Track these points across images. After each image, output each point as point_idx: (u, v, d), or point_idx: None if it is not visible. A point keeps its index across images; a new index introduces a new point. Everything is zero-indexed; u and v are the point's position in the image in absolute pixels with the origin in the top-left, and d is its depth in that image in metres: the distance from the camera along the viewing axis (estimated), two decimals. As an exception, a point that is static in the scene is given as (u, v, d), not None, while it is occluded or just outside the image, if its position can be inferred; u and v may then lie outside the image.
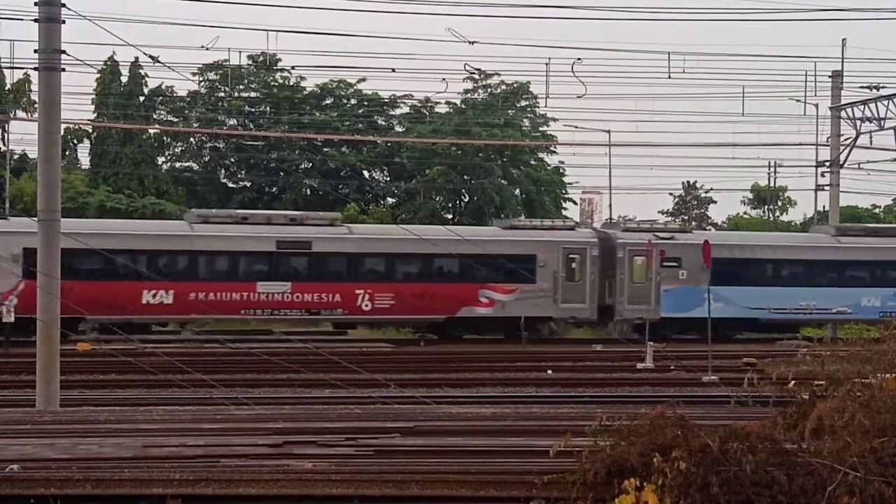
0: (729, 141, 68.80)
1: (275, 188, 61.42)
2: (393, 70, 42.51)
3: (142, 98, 59.01)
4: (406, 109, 63.56)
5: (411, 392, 21.21)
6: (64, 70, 19.69)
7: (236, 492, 8.76)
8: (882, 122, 42.34)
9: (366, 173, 62.75)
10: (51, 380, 19.10)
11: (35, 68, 20.75)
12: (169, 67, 44.70)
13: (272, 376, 25.60)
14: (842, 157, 45.47)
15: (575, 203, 68.31)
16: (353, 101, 63.29)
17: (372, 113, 62.97)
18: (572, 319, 40.12)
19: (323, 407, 16.39)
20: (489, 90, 62.47)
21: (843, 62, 44.52)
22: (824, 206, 51.70)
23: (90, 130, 59.26)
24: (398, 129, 64.15)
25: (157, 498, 8.69)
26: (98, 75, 55.10)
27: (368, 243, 38.00)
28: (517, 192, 61.60)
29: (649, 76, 68.95)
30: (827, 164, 46.51)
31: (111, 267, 33.31)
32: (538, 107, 61.99)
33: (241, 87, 60.49)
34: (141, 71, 56.99)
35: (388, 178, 63.72)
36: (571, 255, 39.06)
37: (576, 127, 57.76)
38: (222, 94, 60.86)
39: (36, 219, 20.21)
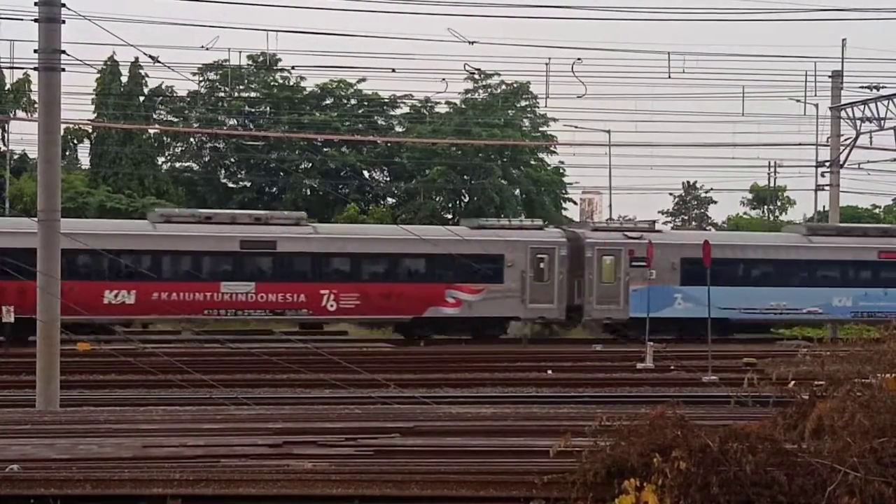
0: (729, 141, 68.94)
1: (275, 188, 61.45)
2: (393, 70, 42.55)
3: (142, 98, 59.05)
4: (406, 109, 63.62)
5: (411, 392, 21.21)
6: (64, 70, 19.69)
7: (236, 492, 8.76)
8: (882, 122, 42.35)
9: (366, 173, 62.78)
10: (51, 380, 19.10)
11: (35, 68, 20.76)
12: (169, 67, 44.77)
13: (272, 376, 25.58)
14: (842, 158, 45.48)
15: (575, 203, 68.41)
16: (353, 102, 63.31)
17: (372, 113, 62.98)
18: (540, 320, 39.73)
19: (323, 407, 16.39)
20: (489, 90, 62.49)
21: (843, 62, 44.58)
22: (824, 207, 51.73)
23: (90, 130, 59.30)
24: (398, 129, 64.17)
25: (157, 498, 8.69)
26: (98, 75, 55.14)
27: (334, 243, 37.76)
28: (517, 192, 61.61)
29: (649, 76, 68.98)
30: (827, 164, 46.52)
31: (72, 267, 32.77)
32: (538, 107, 62.09)
33: (241, 87, 60.51)
34: (141, 71, 57.07)
35: (388, 179, 63.75)
36: (539, 255, 38.79)
37: (576, 127, 57.86)
38: (222, 95, 60.89)
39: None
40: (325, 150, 60.09)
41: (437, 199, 60.73)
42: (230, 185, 62.85)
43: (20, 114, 55.68)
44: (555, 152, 63.68)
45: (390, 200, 62.82)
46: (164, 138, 62.39)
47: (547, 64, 42.34)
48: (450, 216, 59.68)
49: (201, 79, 59.78)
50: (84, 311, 28.40)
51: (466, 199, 61.64)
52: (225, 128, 60.81)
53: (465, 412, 12.82)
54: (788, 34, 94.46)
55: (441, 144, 58.05)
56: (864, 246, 41.84)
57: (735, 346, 36.61)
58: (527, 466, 9.09)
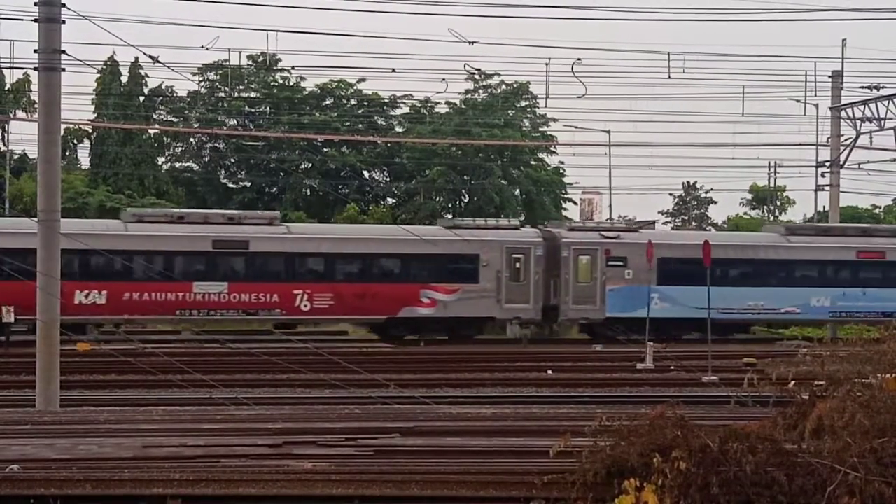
0: (729, 141, 69.00)
1: (275, 188, 61.45)
2: (393, 70, 42.46)
3: (142, 98, 59.04)
4: (406, 109, 63.61)
5: (411, 392, 21.22)
6: (64, 70, 19.70)
7: (236, 492, 8.76)
8: (882, 122, 42.35)
9: (366, 173, 62.77)
10: (51, 380, 19.11)
11: (35, 68, 20.76)
12: (169, 67, 44.73)
13: (272, 376, 25.58)
14: (842, 158, 45.48)
15: (575, 203, 68.34)
16: (352, 102, 63.30)
17: (372, 113, 62.98)
18: (516, 320, 39.52)
19: (323, 407, 16.40)
20: (489, 90, 62.49)
21: (843, 62, 44.56)
22: (824, 207, 51.72)
23: (90, 130, 59.30)
24: (398, 129, 64.17)
25: (157, 498, 8.69)
26: (98, 75, 55.13)
27: (307, 243, 37.60)
28: (517, 192, 61.60)
29: (649, 76, 68.95)
30: (827, 164, 46.52)
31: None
32: (538, 107, 62.07)
33: (241, 87, 60.50)
34: (141, 71, 57.08)
35: (388, 179, 63.74)
36: (515, 255, 38.59)
37: (576, 127, 57.81)
38: (222, 95, 60.89)
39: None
40: (325, 150, 60.09)
41: (437, 199, 60.73)
42: (230, 185, 62.86)
43: (20, 114, 55.70)
44: (555, 152, 63.73)
45: (390, 200, 62.82)
46: (164, 138, 62.39)
47: (547, 64, 42.29)
48: (450, 216, 59.67)
49: (201, 79, 59.81)
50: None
51: (466, 200, 61.63)
52: (225, 128, 60.80)
53: (465, 412, 12.83)
54: (788, 34, 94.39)
55: (441, 144, 58.04)
56: (842, 246, 41.53)
57: (735, 347, 36.62)
58: (527, 466, 9.09)
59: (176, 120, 62.80)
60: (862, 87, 43.32)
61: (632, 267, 39.00)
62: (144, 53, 37.32)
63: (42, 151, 19.91)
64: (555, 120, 62.27)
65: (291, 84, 61.23)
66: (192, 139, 63.05)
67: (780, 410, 10.05)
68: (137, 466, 9.12)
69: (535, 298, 38.75)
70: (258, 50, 54.62)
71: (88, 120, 56.42)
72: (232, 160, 62.08)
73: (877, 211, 69.37)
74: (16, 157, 57.42)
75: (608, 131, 55.02)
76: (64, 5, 19.65)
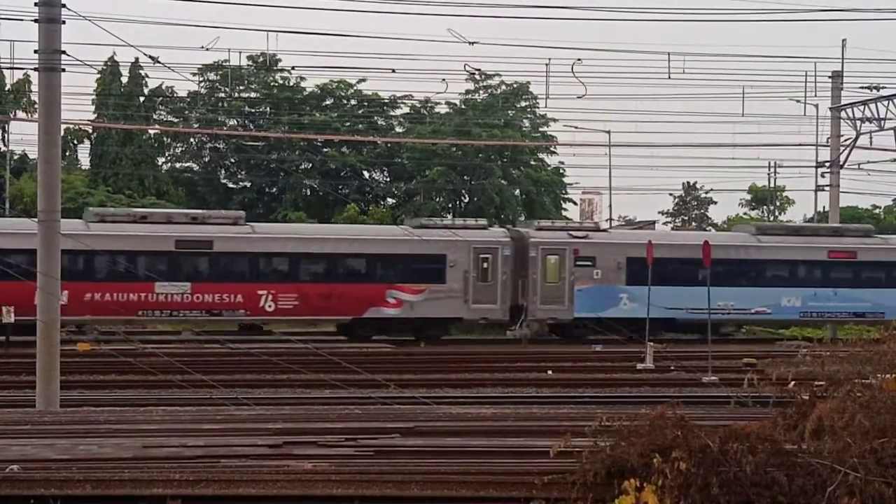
0: (729, 141, 69.00)
1: (275, 189, 61.43)
2: (393, 70, 42.48)
3: (142, 98, 59.02)
4: (406, 110, 63.58)
5: (411, 392, 21.23)
6: (64, 70, 19.70)
7: (236, 492, 8.76)
8: (882, 122, 42.32)
9: (366, 174, 62.75)
10: (51, 380, 19.11)
11: (35, 69, 20.76)
12: (169, 68, 44.77)
13: (272, 376, 25.59)
14: (842, 158, 45.47)
15: (575, 203, 68.31)
16: (353, 102, 63.28)
17: (372, 113, 62.95)
18: (483, 320, 39.33)
19: (323, 407, 16.41)
20: (489, 91, 62.48)
21: (843, 62, 44.54)
22: (824, 207, 51.71)
23: (90, 131, 59.27)
24: (398, 129, 64.15)
25: (157, 498, 8.69)
26: (98, 76, 55.11)
27: (272, 243, 37.45)
28: (517, 192, 61.60)
29: (649, 76, 68.83)
30: (827, 164, 46.51)
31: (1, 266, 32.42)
32: (538, 107, 62.04)
33: (241, 87, 60.48)
34: (141, 71, 57.05)
35: (388, 179, 63.71)
36: (483, 255, 38.43)
37: (576, 127, 57.82)
38: (222, 95, 60.86)
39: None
40: (325, 150, 60.06)
41: (438, 199, 60.72)
42: (230, 185, 62.83)
43: (20, 114, 55.66)
44: (555, 153, 63.68)
45: (390, 201, 62.80)
46: (164, 139, 62.36)
47: (547, 64, 42.23)
48: (450, 217, 59.66)
49: (201, 79, 59.77)
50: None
51: (466, 200, 61.61)
52: (225, 128, 60.76)
53: (466, 412, 12.83)
54: (788, 34, 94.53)
55: (441, 145, 58.00)
56: (813, 246, 41.36)
57: (735, 347, 36.63)
58: (527, 467, 9.09)
59: (176, 120, 62.78)
60: (862, 88, 43.34)
61: (600, 267, 38.88)
62: (144, 54, 37.28)
63: (42, 152, 19.91)
64: (555, 120, 62.31)
65: (291, 84, 61.20)
66: (192, 139, 63.02)
67: (780, 411, 10.05)
68: (137, 467, 9.12)
69: (502, 299, 38.60)
70: (258, 50, 54.67)
71: (88, 120, 56.41)
72: (232, 160, 62.05)
73: (877, 211, 69.35)
74: (16, 157, 57.39)
75: (608, 131, 55.08)
76: (64, 5, 19.65)
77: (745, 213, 71.07)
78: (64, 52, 19.58)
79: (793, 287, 40.94)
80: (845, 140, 45.13)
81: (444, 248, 38.02)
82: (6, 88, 55.87)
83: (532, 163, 63.04)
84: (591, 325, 37.61)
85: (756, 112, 60.31)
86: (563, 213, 63.42)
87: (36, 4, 19.65)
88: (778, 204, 69.38)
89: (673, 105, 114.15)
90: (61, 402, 19.01)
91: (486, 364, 29.71)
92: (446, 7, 28.78)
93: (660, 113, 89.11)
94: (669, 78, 40.62)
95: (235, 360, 28.06)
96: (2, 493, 8.64)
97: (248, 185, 62.30)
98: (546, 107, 55.74)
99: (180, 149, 63.72)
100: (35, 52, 19.79)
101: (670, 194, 76.06)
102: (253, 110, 62.86)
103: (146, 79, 58.19)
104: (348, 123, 61.04)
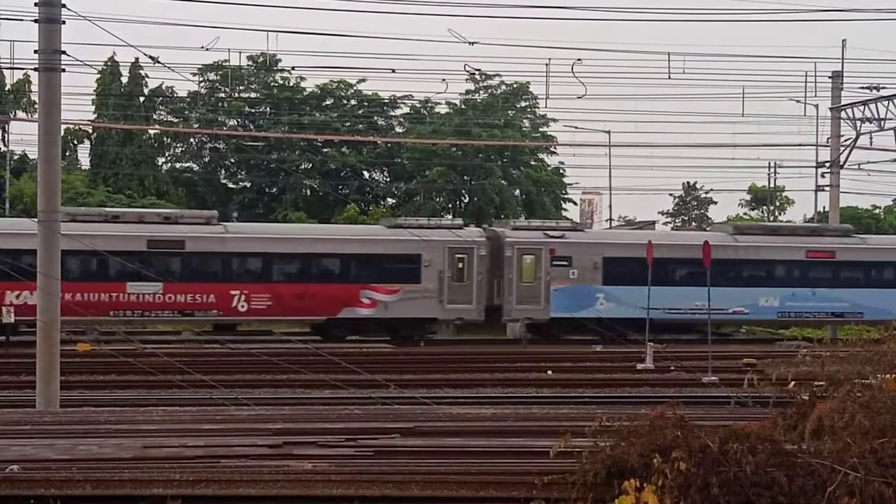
0: (729, 141, 68.98)
1: (275, 189, 61.44)
2: (393, 71, 42.37)
3: (142, 99, 59.03)
4: (406, 110, 63.60)
5: (411, 393, 21.22)
6: (64, 70, 19.70)
7: (236, 492, 8.76)
8: (882, 122, 42.30)
9: (366, 174, 62.77)
10: (51, 380, 19.11)
11: (35, 69, 20.76)
12: (169, 68, 44.74)
13: (272, 376, 25.59)
14: (842, 158, 45.46)
15: (575, 204, 68.33)
16: (353, 102, 63.29)
17: (372, 113, 62.96)
18: (459, 320, 39.18)
19: (323, 407, 16.41)
20: (489, 91, 62.49)
21: (843, 63, 44.50)
22: (824, 207, 51.70)
23: (90, 131, 59.27)
24: (398, 129, 64.17)
25: (157, 499, 8.69)
26: (98, 76, 55.12)
27: (245, 242, 37.33)
28: (517, 192, 61.61)
29: (649, 76, 68.82)
30: (827, 164, 46.50)
31: None
32: (538, 107, 62.05)
33: (241, 87, 60.49)
34: (141, 71, 57.06)
35: (388, 179, 63.73)
36: (458, 255, 38.29)
37: (576, 128, 57.83)
38: (222, 95, 60.87)
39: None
40: (325, 150, 60.07)
41: (438, 199, 60.73)
42: (230, 185, 62.85)
43: (20, 114, 55.67)
44: (555, 153, 63.70)
45: (390, 201, 62.81)
46: (165, 139, 62.36)
47: (547, 64, 42.14)
48: (450, 217, 59.70)
49: (201, 79, 59.79)
50: None
51: (466, 200, 61.63)
52: (225, 128, 60.77)
53: (465, 413, 12.83)
54: (788, 34, 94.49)
55: (441, 145, 58.01)
56: (791, 245, 41.20)
57: (735, 347, 36.62)
58: (527, 467, 9.09)
59: (176, 120, 62.79)
60: (862, 88, 43.31)
61: (577, 266, 38.78)
62: (144, 54, 37.20)
63: (42, 152, 19.91)
64: (555, 120, 62.34)
65: (291, 84, 61.23)
66: (192, 139, 63.03)
67: (780, 411, 10.05)
68: (137, 467, 9.13)
69: (478, 299, 38.49)
70: (258, 50, 54.63)
71: (88, 120, 56.42)
72: (232, 160, 62.06)
73: (877, 211, 69.33)
74: (16, 157, 57.41)
75: (608, 132, 55.09)
76: (64, 6, 19.65)
77: (745, 214, 71.08)
78: (64, 52, 19.57)
79: (771, 287, 40.77)
80: (845, 140, 45.13)
81: (419, 247, 37.83)
82: (6, 88, 55.88)
83: (532, 163, 63.05)
84: (568, 325, 37.62)
85: (756, 112, 60.34)
86: (564, 213, 63.45)
87: (36, 4, 19.65)
88: (778, 204, 69.37)
89: (673, 105, 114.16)
90: (61, 403, 19.01)
91: (486, 364, 29.71)
92: (446, 7, 28.77)
93: (660, 113, 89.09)
94: (669, 78, 40.57)
95: (235, 360, 28.07)
96: (2, 493, 8.64)
97: (248, 185, 62.32)
98: (546, 107, 55.79)
99: (180, 149, 63.73)
100: (35, 52, 19.79)
101: (670, 194, 76.12)
102: (253, 110, 62.87)
103: (146, 79, 58.27)
104: (348, 123, 61.05)
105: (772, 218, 67.31)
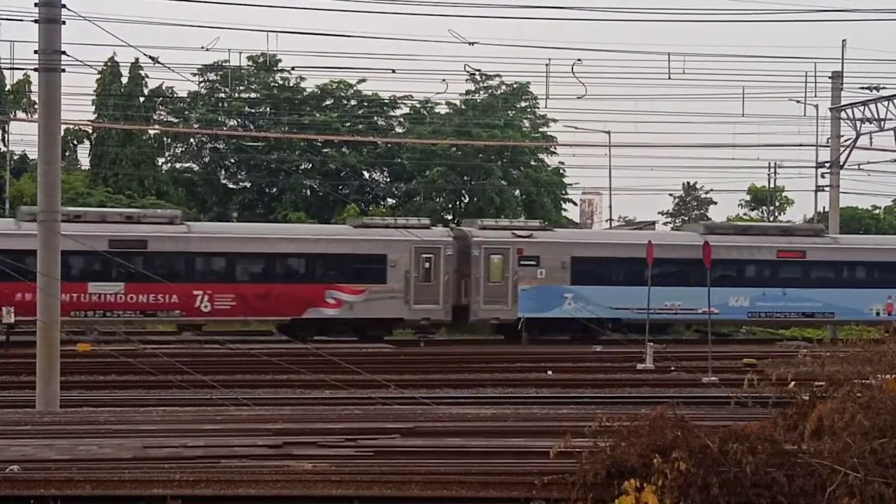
0: (729, 141, 68.90)
1: (275, 189, 61.41)
2: (393, 71, 42.38)
3: (142, 99, 59.00)
4: (406, 110, 63.58)
5: (411, 393, 21.22)
6: (64, 71, 19.70)
7: (236, 492, 8.76)
8: (882, 122, 42.33)
9: (366, 174, 62.74)
10: (51, 381, 19.10)
11: (35, 69, 20.76)
12: (169, 68, 44.71)
13: (272, 377, 25.60)
14: (842, 158, 45.48)
15: (575, 204, 68.32)
16: (353, 102, 63.27)
17: (372, 114, 62.94)
18: (425, 321, 38.92)
19: (323, 408, 16.41)
20: (489, 91, 62.47)
21: (843, 63, 44.49)
22: (824, 208, 51.69)
23: (90, 131, 59.24)
24: (398, 129, 64.15)
25: (158, 499, 8.69)
26: (98, 76, 55.09)
27: (208, 242, 37.20)
28: (517, 192, 61.60)
29: (649, 76, 68.85)
30: (827, 164, 46.52)
31: None
32: (538, 108, 62.02)
33: (242, 87, 60.47)
34: (141, 72, 57.01)
35: (388, 179, 63.70)
36: (425, 255, 38.15)
37: (576, 128, 57.80)
38: (222, 95, 60.84)
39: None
40: (325, 150, 60.05)
41: (438, 199, 60.73)
42: (230, 185, 62.82)
43: (20, 114, 55.65)
44: (555, 153, 63.65)
45: (390, 201, 62.81)
46: (165, 139, 62.30)
47: (547, 65, 42.13)
48: (450, 217, 59.69)
49: (201, 79, 59.76)
50: None
51: (466, 200, 61.62)
52: (225, 128, 60.73)
53: (465, 413, 12.84)
54: (788, 34, 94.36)
55: (441, 145, 57.99)
56: (761, 245, 41.04)
57: (735, 347, 36.63)
58: (527, 467, 9.09)
59: (176, 120, 62.76)
60: (862, 88, 43.32)
61: (544, 266, 38.71)
62: (144, 54, 37.09)
63: (42, 152, 19.91)
64: (555, 120, 62.31)
65: (291, 85, 61.21)
66: (192, 140, 62.98)
67: (780, 411, 10.04)
68: (137, 467, 9.13)
69: (444, 299, 38.40)
70: (258, 50, 54.60)
71: (88, 120, 56.37)
72: (232, 161, 62.03)
73: (877, 212, 69.33)
74: (16, 157, 57.39)
75: (608, 132, 55.08)
76: (64, 6, 19.65)
77: (744, 214, 71.09)
78: (64, 53, 19.58)
79: (741, 287, 40.57)
80: (845, 140, 45.16)
81: (385, 247, 37.79)
82: (6, 89, 55.87)
83: (532, 163, 63.02)
84: (536, 326, 37.49)
85: (756, 112, 60.35)
86: (564, 213, 63.46)
87: (36, 5, 19.65)
88: (777, 204, 69.38)
89: (673, 105, 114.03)
90: (61, 403, 19.01)
91: (486, 364, 29.73)
92: (446, 7, 28.74)
93: (660, 113, 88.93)
94: (669, 78, 40.53)
95: (235, 360, 28.09)
96: (2, 493, 8.64)
97: (248, 185, 62.29)
98: (546, 107, 55.72)
99: (180, 149, 63.68)
100: (35, 52, 19.79)
101: (670, 195, 76.12)
102: (253, 110, 62.85)
103: (146, 79, 58.19)
104: (348, 124, 61.02)
105: (771, 218, 67.32)
